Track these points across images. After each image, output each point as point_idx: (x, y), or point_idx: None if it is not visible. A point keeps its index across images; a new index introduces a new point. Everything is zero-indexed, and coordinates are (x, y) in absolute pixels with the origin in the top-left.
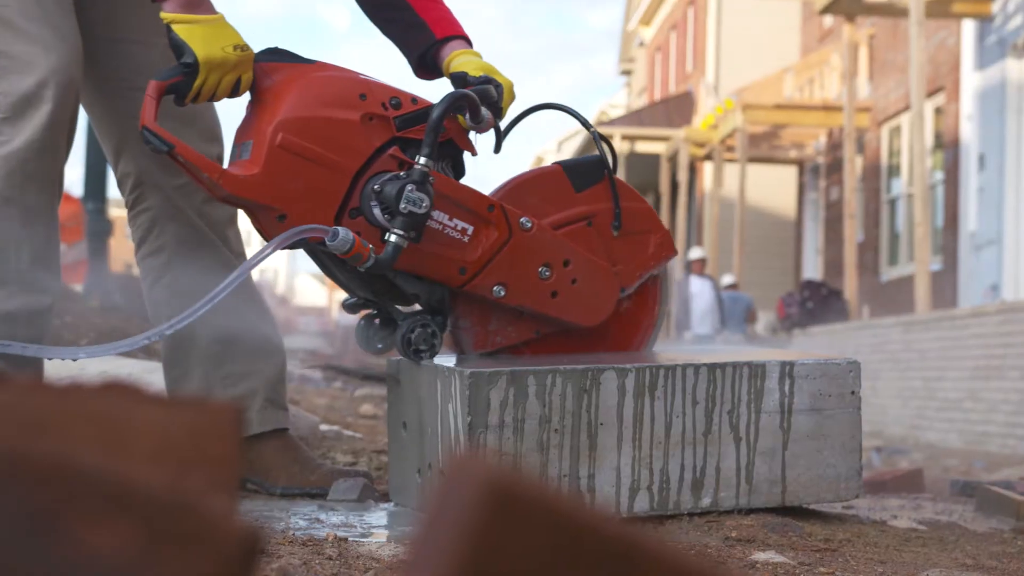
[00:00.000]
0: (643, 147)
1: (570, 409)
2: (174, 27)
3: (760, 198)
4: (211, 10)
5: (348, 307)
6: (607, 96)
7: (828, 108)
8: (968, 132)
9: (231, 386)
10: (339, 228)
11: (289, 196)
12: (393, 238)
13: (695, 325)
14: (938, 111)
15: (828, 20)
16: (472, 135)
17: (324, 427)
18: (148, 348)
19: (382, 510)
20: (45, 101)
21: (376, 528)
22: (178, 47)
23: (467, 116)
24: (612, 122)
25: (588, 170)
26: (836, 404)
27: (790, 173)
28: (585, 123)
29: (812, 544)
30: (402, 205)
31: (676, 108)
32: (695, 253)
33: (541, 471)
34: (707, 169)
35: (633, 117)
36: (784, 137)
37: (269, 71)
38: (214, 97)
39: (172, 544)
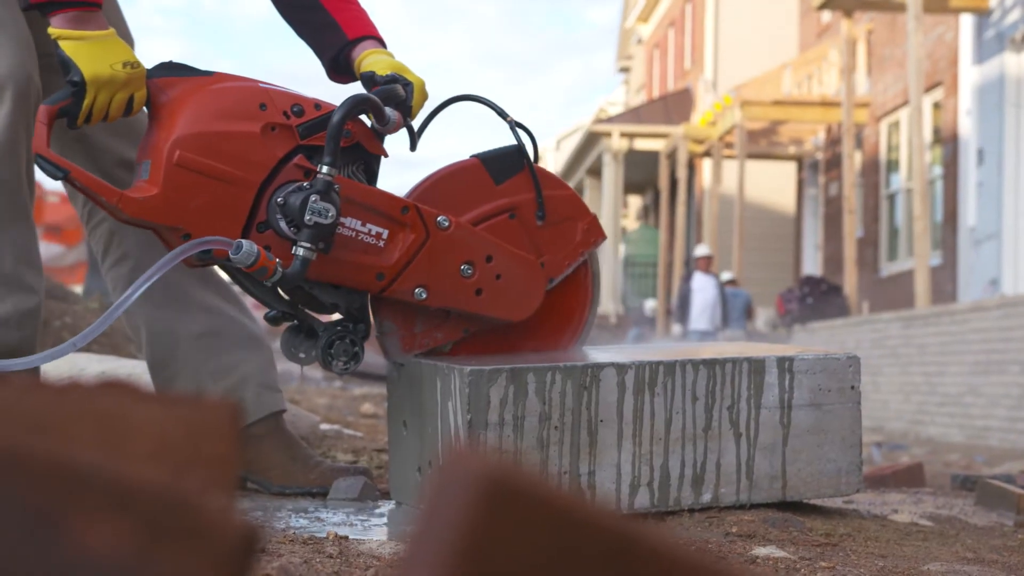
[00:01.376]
0: (642, 144)
1: (570, 406)
2: (61, 43)
3: (759, 194)
4: (101, 25)
5: (269, 320)
6: (606, 93)
7: (826, 104)
8: (967, 127)
9: (222, 378)
10: (243, 241)
11: (191, 215)
12: (300, 251)
13: (693, 321)
14: (936, 106)
15: (826, 16)
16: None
17: (324, 426)
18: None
19: (382, 508)
20: (3, 102)
21: (376, 526)
22: (65, 64)
23: (372, 119)
24: (611, 119)
25: (507, 161)
26: (836, 399)
27: (789, 169)
28: (501, 112)
29: (813, 539)
30: (307, 217)
31: (675, 105)
32: (701, 250)
33: (541, 468)
34: (706, 166)
35: (632, 114)
36: (783, 133)
37: (164, 87)
38: (107, 117)
39: (171, 542)
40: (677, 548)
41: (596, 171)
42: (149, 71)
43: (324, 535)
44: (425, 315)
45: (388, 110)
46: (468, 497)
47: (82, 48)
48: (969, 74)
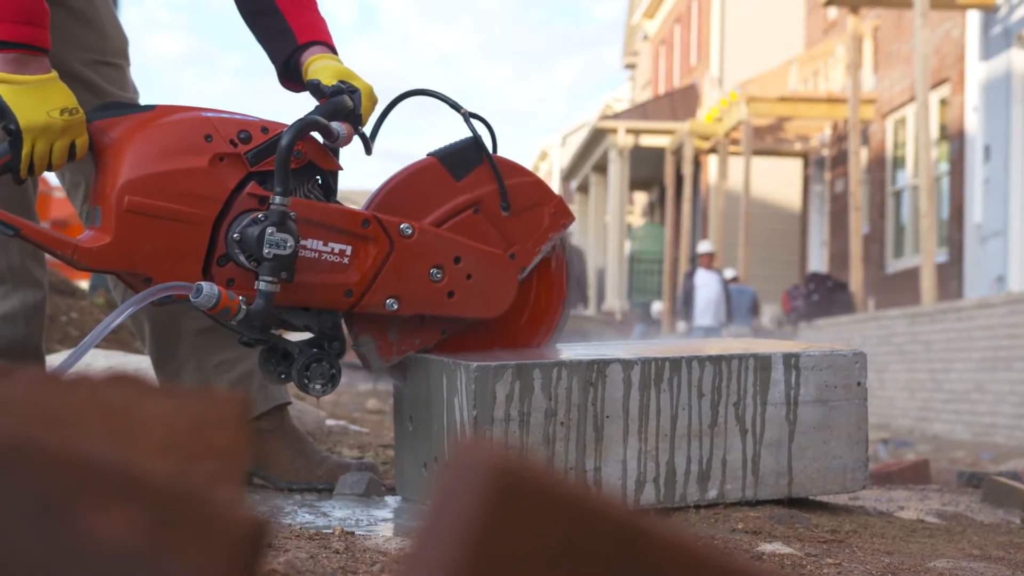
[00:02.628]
0: (648, 141)
1: (576, 402)
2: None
3: (765, 191)
4: (42, 69)
5: (245, 344)
6: (611, 90)
7: (833, 100)
8: (973, 123)
9: (226, 372)
10: (202, 284)
11: (148, 258)
12: (262, 285)
13: (697, 317)
14: (943, 102)
15: (832, 12)
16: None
17: (330, 422)
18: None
19: (388, 504)
20: None
21: (383, 522)
22: (1, 112)
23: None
24: (616, 116)
25: (465, 155)
26: (842, 395)
27: (795, 166)
28: (454, 105)
29: (819, 535)
30: (265, 250)
31: (680, 101)
32: (704, 247)
33: (548, 463)
34: (712, 162)
35: (637, 111)
36: (789, 130)
37: (105, 129)
38: (50, 167)
39: (180, 533)
40: (686, 541)
41: (602, 167)
42: (88, 114)
43: (330, 530)
44: (400, 323)
45: (336, 125)
46: (478, 490)
47: (19, 94)
48: (976, 70)
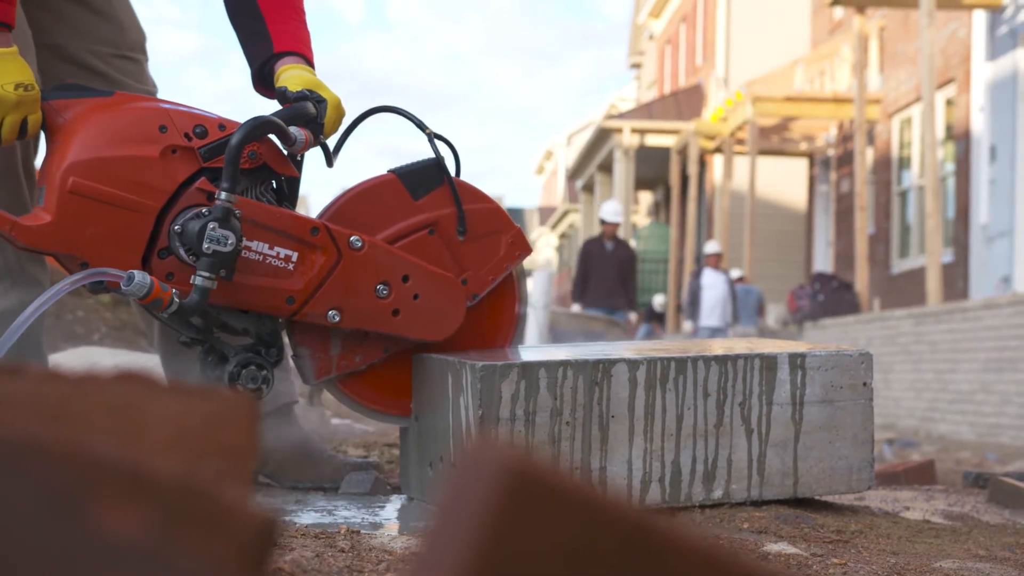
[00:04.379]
0: (653, 140)
1: (581, 402)
2: None
3: (770, 191)
4: (2, 43)
5: (184, 344)
6: (617, 89)
7: (839, 100)
8: (979, 123)
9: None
10: (135, 273)
11: (87, 243)
12: (199, 280)
13: (704, 318)
14: (949, 103)
15: (838, 12)
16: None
17: (335, 421)
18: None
19: (394, 503)
20: None
21: (388, 520)
22: None
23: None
24: (622, 115)
25: (425, 175)
26: (848, 396)
27: (800, 166)
28: (419, 124)
29: (824, 536)
30: (205, 245)
31: (686, 101)
32: (710, 247)
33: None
34: (717, 162)
35: (643, 110)
36: (794, 129)
37: (60, 109)
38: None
39: (189, 529)
40: (695, 541)
41: (607, 167)
42: (45, 92)
43: (336, 529)
44: (341, 337)
45: (294, 130)
46: (490, 489)
47: None
48: (982, 71)
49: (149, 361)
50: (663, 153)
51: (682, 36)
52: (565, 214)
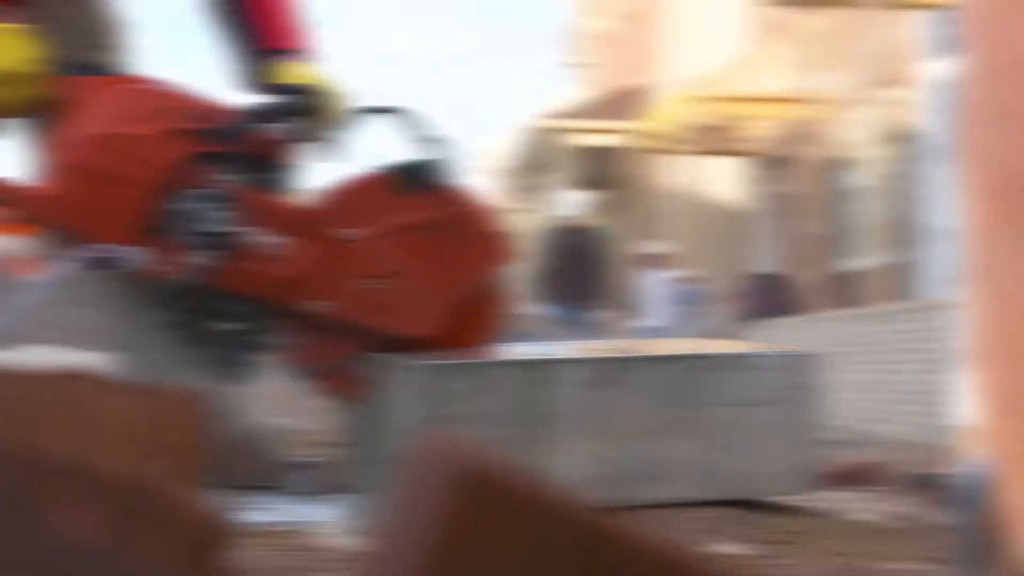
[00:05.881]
0: (595, 140)
1: (527, 401)
2: None
3: (714, 191)
4: (11, 19)
5: (172, 326)
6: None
7: (782, 100)
8: (925, 124)
9: (179, 368)
10: (129, 248)
11: (86, 215)
12: (192, 260)
13: (646, 317)
14: (894, 103)
15: (782, 11)
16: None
17: (282, 420)
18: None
19: (338, 502)
20: None
21: (332, 519)
22: None
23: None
24: (563, 115)
25: (420, 174)
26: (793, 396)
27: (744, 165)
28: (417, 123)
29: (771, 536)
30: (200, 226)
31: (629, 101)
32: (652, 247)
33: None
34: (660, 162)
35: (585, 110)
36: (738, 129)
37: (67, 85)
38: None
39: (140, 529)
40: (648, 541)
41: (549, 167)
42: (53, 69)
43: (282, 528)
44: (327, 327)
45: (293, 121)
46: (442, 491)
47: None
48: (928, 71)
49: (99, 360)
50: (605, 153)
51: (624, 35)
52: (507, 214)
